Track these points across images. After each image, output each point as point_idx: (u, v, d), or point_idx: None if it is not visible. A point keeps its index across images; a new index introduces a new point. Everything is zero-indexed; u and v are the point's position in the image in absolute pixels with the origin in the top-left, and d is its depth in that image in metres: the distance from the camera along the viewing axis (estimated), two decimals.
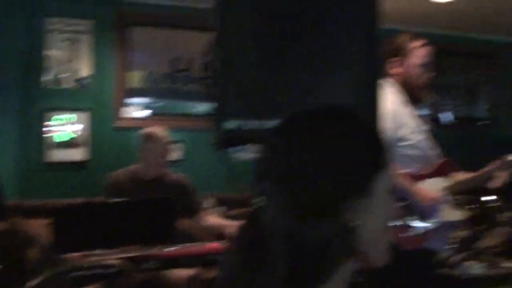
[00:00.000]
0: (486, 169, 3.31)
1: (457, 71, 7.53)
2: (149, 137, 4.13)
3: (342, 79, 2.01)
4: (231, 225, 3.92)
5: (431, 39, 6.96)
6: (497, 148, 7.45)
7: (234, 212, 4.91)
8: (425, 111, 7.13)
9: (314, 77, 1.98)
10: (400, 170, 3.08)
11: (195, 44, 5.58)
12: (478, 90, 7.72)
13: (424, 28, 6.83)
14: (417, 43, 3.29)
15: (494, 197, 5.21)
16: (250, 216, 1.15)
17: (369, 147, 1.12)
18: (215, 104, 1.96)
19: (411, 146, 3.15)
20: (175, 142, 5.66)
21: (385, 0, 5.58)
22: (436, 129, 7.22)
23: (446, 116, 7.50)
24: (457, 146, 7.41)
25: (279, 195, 1.07)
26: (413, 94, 3.27)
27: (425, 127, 3.31)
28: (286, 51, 1.96)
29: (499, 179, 3.26)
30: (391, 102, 3.03)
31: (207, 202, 4.76)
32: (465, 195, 3.50)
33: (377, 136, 1.15)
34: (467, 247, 4.66)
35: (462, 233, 4.65)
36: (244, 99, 1.94)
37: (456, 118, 7.57)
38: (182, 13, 5.82)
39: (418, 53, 3.27)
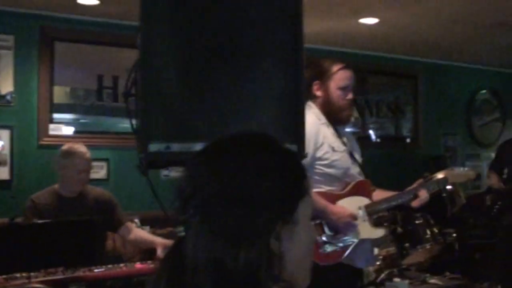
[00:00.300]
0: (407, 188, 3.43)
1: (383, 90, 7.72)
2: (68, 154, 4.02)
3: (265, 103, 2.01)
4: (158, 241, 3.91)
5: (358, 59, 7.20)
6: (421, 166, 7.71)
7: (158, 231, 4.85)
8: (353, 130, 7.28)
9: (238, 101, 1.98)
10: (317, 189, 3.20)
11: (122, 61, 5.50)
12: (402, 109, 7.91)
13: (351, 49, 7.00)
14: (337, 67, 3.39)
15: (419, 214, 5.30)
16: (175, 244, 1.12)
17: (291, 174, 1.11)
18: (140, 126, 1.92)
19: (329, 165, 3.25)
20: (101, 160, 5.55)
21: (313, 21, 5.69)
22: (364, 147, 7.40)
23: (373, 134, 7.67)
24: (384, 163, 7.60)
25: (202, 223, 1.05)
26: (334, 115, 3.38)
27: (345, 147, 3.39)
28: (210, 75, 1.95)
29: (420, 199, 3.38)
30: (311, 123, 3.12)
31: (132, 221, 4.69)
32: (387, 212, 3.59)
33: (298, 163, 1.14)
34: (393, 263, 4.73)
35: (388, 250, 4.73)
36: (168, 121, 1.91)
37: (382, 136, 7.75)
38: (108, 30, 5.74)
39: (338, 77, 3.37)
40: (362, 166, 3.51)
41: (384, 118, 7.76)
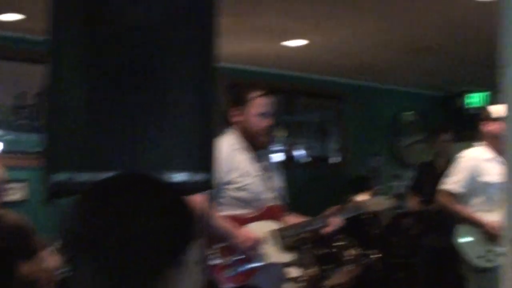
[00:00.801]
0: (321, 215, 3.50)
1: (309, 111, 7.79)
2: None
3: (176, 131, 1.97)
4: None
5: (285, 80, 7.26)
6: (347, 186, 7.80)
7: None
8: (280, 149, 7.31)
9: (148, 128, 1.93)
10: (228, 212, 3.26)
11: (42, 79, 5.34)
12: (329, 130, 8.01)
13: (277, 70, 7.05)
14: (256, 93, 3.43)
15: (341, 236, 5.36)
16: (61, 280, 1.09)
17: (178, 217, 1.09)
18: (44, 154, 1.86)
19: (240, 189, 3.30)
20: (19, 181, 5.38)
21: (240, 42, 5.69)
22: (292, 168, 7.45)
23: (300, 155, 7.72)
24: (311, 183, 7.67)
25: (87, 262, 1.02)
26: (252, 140, 3.42)
27: (261, 172, 3.42)
28: (119, 102, 1.90)
29: (333, 225, 3.45)
30: (225, 147, 3.23)
31: (51, 244, 4.53)
32: (303, 236, 3.64)
33: (186, 207, 1.13)
34: (316, 285, 4.75)
35: (310, 272, 4.75)
36: (74, 150, 1.85)
37: (309, 156, 7.81)
38: (31, 46, 5.59)
39: (257, 103, 3.40)
40: (283, 190, 3.54)
41: (311, 139, 7.83)
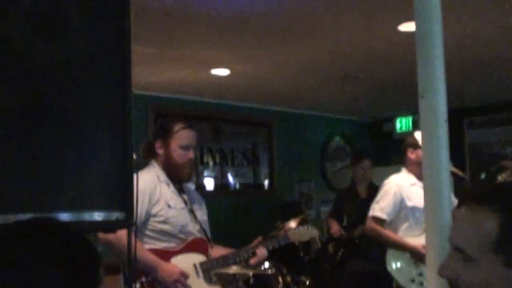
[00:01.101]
0: (246, 246, 3.51)
1: (238, 138, 7.79)
2: None
3: (92, 170, 1.92)
4: None
5: (213, 108, 7.24)
6: (278, 212, 7.82)
7: None
8: (210, 178, 7.26)
9: (63, 168, 1.88)
10: (152, 246, 3.24)
11: None
12: (259, 157, 8.02)
13: (207, 98, 7.04)
14: (179, 126, 3.44)
15: (272, 263, 5.33)
16: None
17: (82, 264, 1.04)
18: None
19: (164, 222, 3.29)
20: None
21: (168, 70, 5.65)
22: (223, 196, 7.41)
23: (231, 182, 7.69)
24: (242, 211, 7.65)
25: None
26: (174, 173, 3.43)
27: (185, 205, 3.44)
28: (31, 141, 1.84)
29: (258, 256, 3.47)
30: (148, 180, 3.25)
31: None
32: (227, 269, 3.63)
33: (90, 251, 1.08)
34: None
35: None
36: None
37: (240, 184, 7.79)
38: None
39: (180, 136, 3.42)
40: (207, 222, 3.54)
41: (240, 166, 7.82)
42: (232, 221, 7.47)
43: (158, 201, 3.29)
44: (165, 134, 3.42)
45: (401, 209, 4.34)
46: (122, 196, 1.99)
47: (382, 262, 5.30)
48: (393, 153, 9.03)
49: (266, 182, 8.13)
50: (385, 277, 4.48)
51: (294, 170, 8.37)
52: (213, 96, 7.04)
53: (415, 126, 8.76)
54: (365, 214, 5.92)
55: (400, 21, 4.27)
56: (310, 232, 3.92)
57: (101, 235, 2.90)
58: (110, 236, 2.86)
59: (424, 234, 4.20)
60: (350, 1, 3.87)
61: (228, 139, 7.61)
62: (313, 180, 8.62)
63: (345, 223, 6.35)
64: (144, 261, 3.15)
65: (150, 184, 3.28)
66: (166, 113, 6.75)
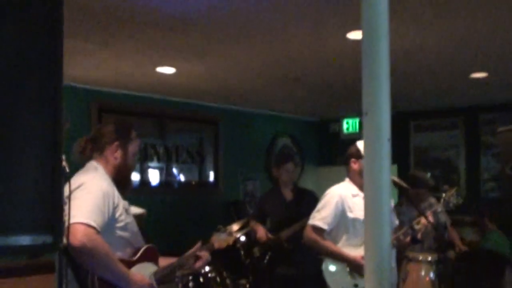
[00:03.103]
0: (187, 253, 3.40)
1: (183, 136, 7.68)
2: None
3: (18, 189, 1.81)
4: None
5: (158, 105, 7.11)
6: (222, 211, 7.76)
7: None
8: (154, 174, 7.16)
9: None
10: (115, 253, 2.97)
11: None
12: (203, 154, 7.93)
13: (152, 94, 6.92)
14: (135, 133, 3.27)
15: (211, 267, 5.28)
16: None
17: None
18: None
19: (123, 228, 3.06)
20: None
21: (110, 65, 5.53)
22: (166, 193, 7.30)
23: (176, 179, 7.59)
24: (186, 209, 7.55)
25: None
26: (125, 180, 3.23)
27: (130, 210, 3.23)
28: None
29: (203, 260, 3.39)
30: (107, 182, 3.03)
31: None
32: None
33: None
34: None
35: None
36: None
37: (185, 181, 7.69)
38: None
39: (136, 143, 3.26)
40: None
41: (185, 163, 7.71)
42: (175, 218, 7.37)
43: (117, 205, 3.02)
44: (124, 137, 3.20)
45: (341, 219, 4.30)
46: (50, 217, 1.88)
47: (312, 266, 5.33)
48: (339, 153, 9.09)
49: (211, 180, 8.05)
50: (316, 281, 4.45)
51: (239, 168, 8.32)
52: (159, 92, 6.93)
53: (362, 128, 8.77)
54: (290, 217, 5.89)
55: (349, 29, 4.25)
56: (228, 239, 3.85)
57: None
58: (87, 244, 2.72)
59: (363, 245, 4.22)
60: (300, 7, 3.82)
61: (173, 136, 7.49)
62: (258, 179, 8.57)
63: (268, 225, 6.27)
64: (116, 272, 2.89)
65: (110, 187, 3.03)
66: (109, 109, 6.60)
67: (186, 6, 3.83)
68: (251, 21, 4.15)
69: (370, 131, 2.71)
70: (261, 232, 6.06)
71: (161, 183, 7.43)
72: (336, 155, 9.09)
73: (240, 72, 5.84)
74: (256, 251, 6.17)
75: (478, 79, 6.01)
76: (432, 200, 5.63)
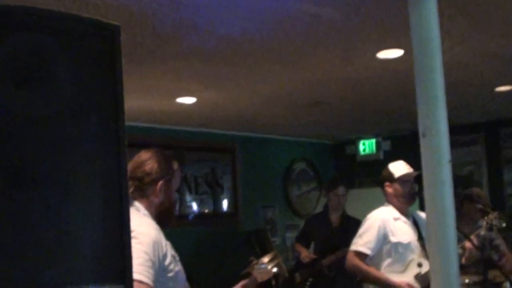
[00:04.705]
0: None
1: (201, 165, 7.55)
2: None
3: (83, 239, 1.69)
4: None
5: (177, 136, 7.00)
6: (243, 241, 7.61)
7: None
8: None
9: (50, 239, 1.64)
10: None
11: None
12: (221, 183, 7.80)
13: (168, 125, 6.83)
14: (177, 163, 2.91)
15: None
16: None
17: None
18: None
19: (173, 279, 2.74)
20: None
21: (134, 99, 5.44)
22: (183, 226, 7.16)
23: (193, 210, 7.45)
24: (205, 241, 7.40)
25: None
26: (167, 220, 2.88)
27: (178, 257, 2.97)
28: (11, 209, 1.61)
29: None
30: (154, 228, 2.70)
31: None
32: None
33: None
34: None
35: None
36: None
37: (202, 213, 7.55)
38: None
39: (178, 175, 2.91)
40: None
41: (204, 194, 7.58)
42: (196, 252, 7.23)
43: (166, 253, 2.70)
44: (168, 174, 2.82)
45: (384, 244, 4.18)
46: (120, 265, 1.76)
47: None
48: (356, 176, 8.98)
49: (229, 210, 7.90)
50: None
51: (258, 196, 8.18)
52: (176, 123, 6.83)
53: (379, 149, 8.69)
54: (335, 243, 5.80)
55: (379, 49, 4.15)
56: (270, 272, 3.74)
57: None
58: None
59: (407, 271, 4.09)
60: (329, 31, 3.73)
61: (190, 167, 7.36)
62: (277, 206, 8.44)
63: (311, 250, 6.18)
64: None
65: (158, 234, 2.69)
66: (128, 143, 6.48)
67: (209, 37, 3.74)
68: (278, 48, 4.07)
69: (428, 153, 2.59)
70: (305, 253, 6.00)
71: (178, 217, 7.28)
72: (353, 178, 8.97)
73: (260, 100, 5.77)
74: (297, 276, 6.07)
75: (503, 93, 5.91)
76: (484, 222, 5.14)
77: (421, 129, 2.59)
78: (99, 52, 1.84)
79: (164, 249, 2.72)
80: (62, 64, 1.76)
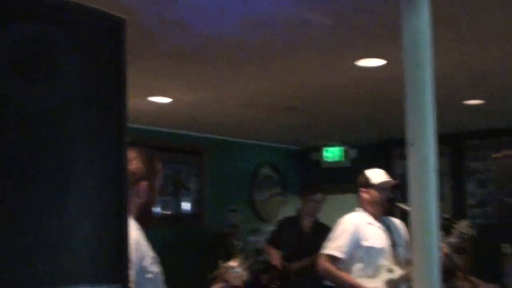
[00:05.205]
0: None
1: (168, 166, 7.48)
2: None
3: (80, 236, 1.64)
4: None
5: (147, 135, 6.93)
6: (206, 244, 7.57)
7: None
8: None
9: (46, 234, 1.60)
10: None
11: None
12: (188, 186, 7.74)
13: (141, 125, 6.75)
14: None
15: None
16: None
17: None
18: None
19: (151, 280, 2.70)
20: None
21: None
22: (148, 226, 7.07)
23: (157, 212, 7.38)
24: (169, 242, 7.34)
25: None
26: (147, 219, 2.81)
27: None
28: (7, 204, 1.56)
29: None
30: (135, 232, 2.63)
31: None
32: None
33: None
34: None
35: None
36: None
37: (167, 214, 7.48)
38: None
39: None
40: None
41: (169, 195, 7.51)
42: (159, 253, 7.14)
43: (146, 253, 2.66)
44: (152, 174, 2.79)
45: (356, 248, 4.20)
46: (118, 265, 1.73)
47: None
48: (320, 182, 9.01)
49: (195, 211, 7.85)
50: None
51: (223, 199, 8.15)
52: (147, 122, 6.76)
53: (346, 157, 8.76)
54: (304, 249, 5.79)
55: (360, 57, 4.19)
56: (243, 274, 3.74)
57: None
58: None
59: (378, 276, 4.12)
60: (315, 37, 3.74)
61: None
62: (241, 210, 8.41)
63: (283, 252, 6.17)
64: None
65: (139, 236, 2.65)
66: None
67: (186, 37, 3.72)
68: (254, 51, 4.09)
69: (415, 162, 2.63)
70: (275, 255, 5.98)
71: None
72: (317, 184, 8.99)
73: (236, 103, 5.75)
74: (264, 278, 6.04)
75: (471, 106, 6.01)
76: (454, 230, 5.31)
77: (409, 138, 2.63)
78: (104, 45, 1.80)
79: (144, 250, 2.68)
80: (67, 56, 1.72)
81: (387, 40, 3.74)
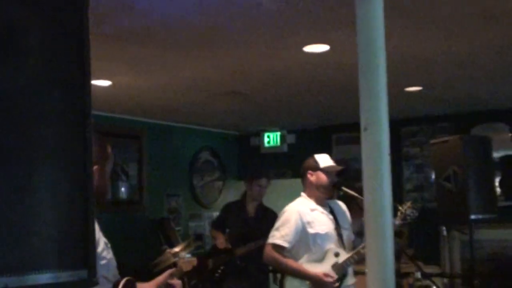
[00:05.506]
0: (158, 280, 3.10)
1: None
2: None
3: (46, 220, 1.61)
4: None
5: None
6: (146, 229, 7.50)
7: None
8: None
9: (12, 218, 1.56)
10: None
11: None
12: (126, 171, 7.63)
13: None
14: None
15: None
16: None
17: None
18: None
19: (105, 267, 2.67)
20: None
21: None
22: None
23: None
24: (110, 227, 7.21)
25: None
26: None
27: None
28: None
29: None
30: None
31: None
32: None
33: None
34: None
35: None
36: None
37: (108, 199, 7.36)
38: None
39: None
40: None
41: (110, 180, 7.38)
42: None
43: (98, 239, 2.63)
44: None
45: (302, 236, 4.23)
46: (83, 251, 1.69)
47: (262, 285, 5.16)
48: (259, 167, 9.05)
49: (134, 197, 7.74)
50: None
51: (163, 184, 8.08)
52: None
53: (283, 142, 8.84)
54: (249, 233, 5.82)
55: (306, 43, 4.21)
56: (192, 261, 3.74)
57: None
58: None
59: (325, 261, 4.17)
60: (262, 21, 3.74)
61: None
62: (181, 195, 8.37)
63: (226, 237, 6.19)
64: None
65: None
66: None
67: (127, 19, 3.66)
68: (202, 33, 4.02)
69: (370, 146, 2.67)
70: (221, 239, 5.99)
71: None
72: (262, 169, 9.03)
73: (177, 85, 5.67)
74: (210, 263, 6.05)
75: (412, 93, 6.13)
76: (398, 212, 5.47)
77: (363, 123, 2.66)
78: (67, 25, 1.75)
79: (97, 236, 2.59)
80: (31, 36, 1.67)
81: (332, 26, 3.77)
